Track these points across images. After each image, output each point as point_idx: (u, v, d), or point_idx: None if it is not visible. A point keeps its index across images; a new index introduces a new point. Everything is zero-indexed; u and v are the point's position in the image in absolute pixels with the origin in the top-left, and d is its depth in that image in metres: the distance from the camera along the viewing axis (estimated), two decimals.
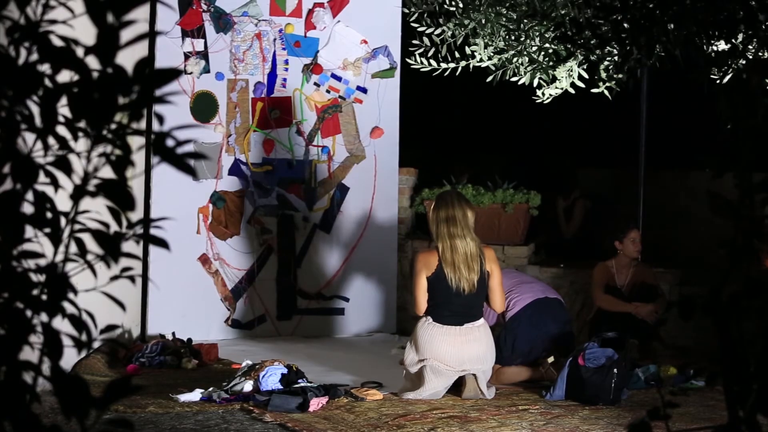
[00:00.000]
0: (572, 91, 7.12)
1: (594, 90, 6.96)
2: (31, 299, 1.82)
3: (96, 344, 1.91)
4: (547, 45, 6.85)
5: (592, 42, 4.95)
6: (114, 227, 1.89)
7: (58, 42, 1.85)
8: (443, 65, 7.27)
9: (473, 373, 5.78)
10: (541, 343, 6.22)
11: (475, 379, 5.79)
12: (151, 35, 6.60)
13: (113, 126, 1.82)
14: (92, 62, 1.84)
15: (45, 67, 1.85)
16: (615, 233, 7.19)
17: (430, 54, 7.30)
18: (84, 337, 1.87)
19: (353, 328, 8.02)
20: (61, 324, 1.85)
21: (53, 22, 1.87)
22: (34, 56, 1.84)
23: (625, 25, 4.80)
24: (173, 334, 7.06)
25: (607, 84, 6.85)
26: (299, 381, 5.69)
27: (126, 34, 1.83)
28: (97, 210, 1.93)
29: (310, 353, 7.07)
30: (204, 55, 7.64)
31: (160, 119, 1.87)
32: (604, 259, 7.23)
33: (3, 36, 1.87)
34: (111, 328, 1.92)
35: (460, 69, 7.27)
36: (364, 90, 8.07)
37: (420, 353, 5.79)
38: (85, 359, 6.07)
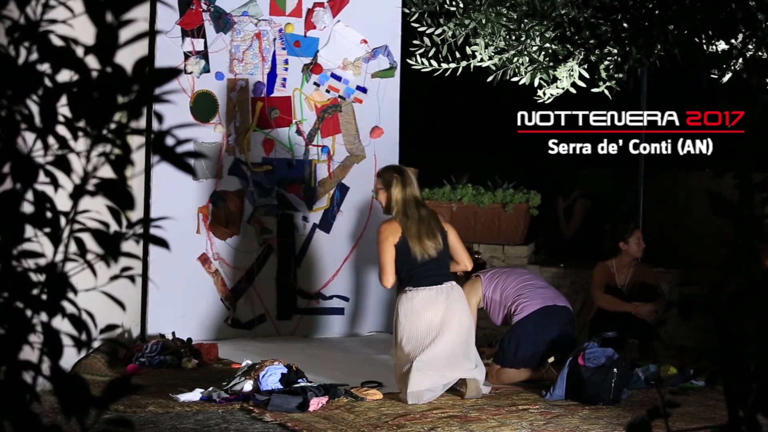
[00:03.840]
0: (573, 90, 7.12)
1: (594, 90, 6.96)
2: (31, 299, 1.82)
3: (96, 344, 1.91)
4: (547, 45, 6.84)
5: (591, 42, 4.95)
6: (114, 227, 1.89)
7: (57, 41, 1.85)
8: (444, 65, 7.27)
9: (473, 377, 5.76)
10: (543, 352, 6.20)
11: (476, 380, 5.78)
12: (151, 35, 6.60)
13: (113, 125, 1.82)
14: (92, 62, 1.84)
15: (45, 67, 1.84)
16: (620, 234, 7.19)
17: (430, 54, 7.30)
18: (84, 337, 1.87)
19: (353, 328, 8.02)
20: (61, 324, 1.85)
21: (53, 21, 1.87)
22: (34, 56, 1.84)
23: (624, 24, 4.80)
24: (173, 333, 7.06)
25: (608, 84, 6.85)
26: (299, 381, 5.69)
27: (125, 34, 1.83)
28: (96, 209, 1.93)
29: (310, 353, 7.07)
30: (204, 54, 7.64)
31: (160, 118, 1.87)
32: (604, 259, 7.24)
33: (3, 36, 1.87)
34: (111, 327, 1.92)
35: (460, 69, 7.27)
36: (363, 90, 8.07)
37: (403, 329, 5.78)
38: (85, 359, 6.07)
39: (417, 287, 5.83)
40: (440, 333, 5.75)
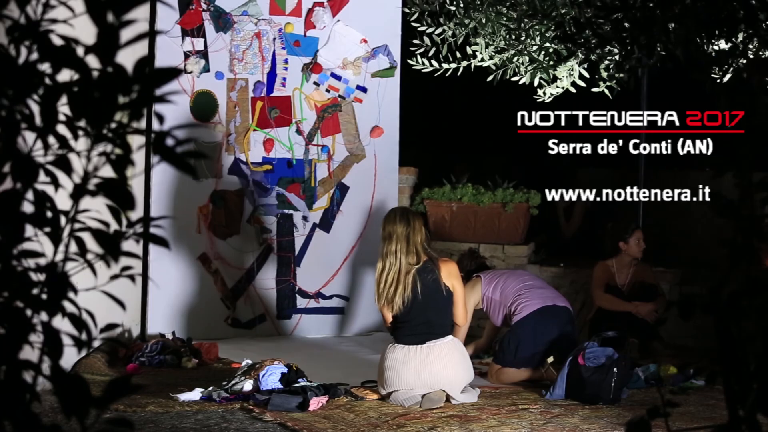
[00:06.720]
0: (573, 90, 7.12)
1: (594, 90, 6.96)
2: (31, 298, 1.82)
3: (96, 343, 1.90)
4: (547, 44, 6.84)
5: (592, 41, 4.95)
6: (114, 226, 1.89)
7: (58, 41, 1.85)
8: (444, 65, 7.27)
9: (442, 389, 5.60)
10: (543, 352, 6.19)
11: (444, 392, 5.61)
12: (151, 34, 6.60)
13: (113, 125, 1.82)
14: (92, 61, 1.84)
15: (45, 67, 1.85)
16: (620, 234, 7.19)
17: (430, 54, 7.30)
18: (84, 336, 1.87)
19: (353, 327, 8.02)
20: (61, 323, 1.85)
21: (53, 21, 1.87)
22: (35, 55, 1.84)
23: (626, 24, 4.81)
24: (173, 333, 7.06)
25: (608, 83, 6.85)
26: (299, 380, 5.69)
27: (126, 34, 1.83)
28: (97, 209, 1.93)
29: (310, 353, 7.07)
30: (204, 54, 7.64)
31: (160, 118, 1.87)
32: (604, 259, 7.24)
33: (3, 35, 1.87)
34: (111, 327, 1.92)
35: (460, 69, 7.27)
36: (363, 89, 8.07)
37: (386, 384, 5.62)
38: (85, 358, 6.07)
39: (398, 344, 5.69)
40: (422, 390, 5.60)
